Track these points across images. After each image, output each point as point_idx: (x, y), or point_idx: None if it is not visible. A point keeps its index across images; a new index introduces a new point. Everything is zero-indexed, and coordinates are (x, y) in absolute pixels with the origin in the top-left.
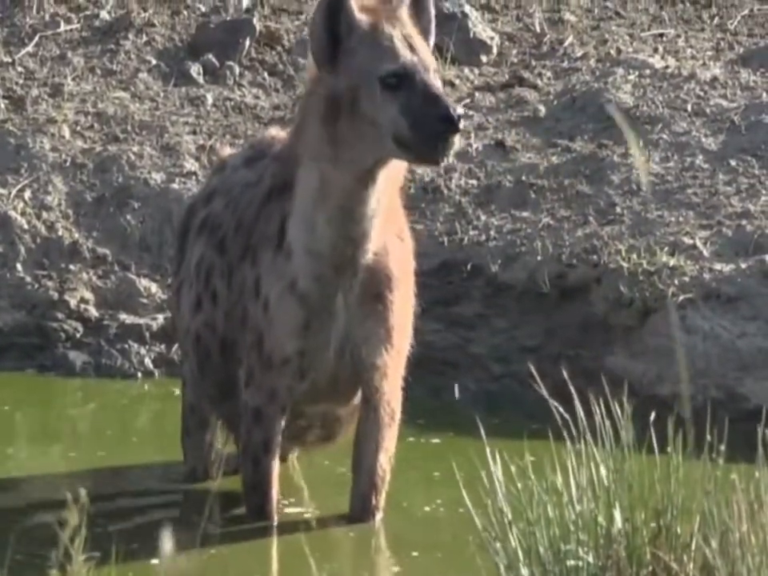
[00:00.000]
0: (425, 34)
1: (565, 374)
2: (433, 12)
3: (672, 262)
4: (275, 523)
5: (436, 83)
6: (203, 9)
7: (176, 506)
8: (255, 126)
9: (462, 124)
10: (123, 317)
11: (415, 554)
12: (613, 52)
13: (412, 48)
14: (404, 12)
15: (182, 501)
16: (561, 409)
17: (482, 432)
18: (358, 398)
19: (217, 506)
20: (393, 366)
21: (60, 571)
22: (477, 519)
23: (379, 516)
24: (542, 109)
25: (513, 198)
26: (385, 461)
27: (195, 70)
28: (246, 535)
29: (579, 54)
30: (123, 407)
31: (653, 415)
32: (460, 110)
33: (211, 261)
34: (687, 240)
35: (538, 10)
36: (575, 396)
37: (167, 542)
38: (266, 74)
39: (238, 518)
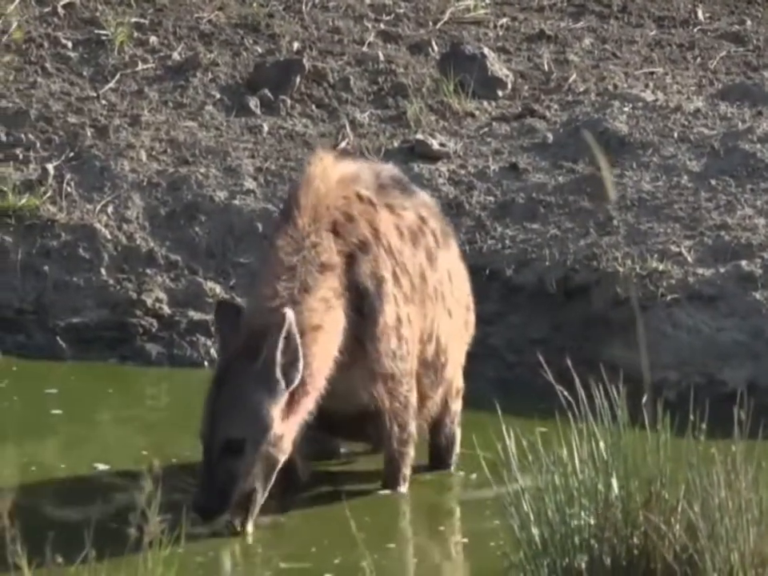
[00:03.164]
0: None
1: (569, 362)
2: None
3: (661, 267)
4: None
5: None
6: (260, 50)
7: None
8: (305, 151)
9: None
10: (192, 314)
11: (440, 515)
12: (610, 87)
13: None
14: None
15: None
16: (565, 392)
17: (499, 412)
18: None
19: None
20: (400, 381)
21: (137, 531)
22: (494, 486)
23: (404, 486)
24: (550, 136)
25: (525, 213)
26: (400, 445)
27: (253, 103)
28: (303, 503)
29: (581, 89)
30: (192, 390)
31: (644, 398)
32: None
33: None
34: (674, 248)
35: (546, 52)
36: (578, 381)
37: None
38: (313, 107)
39: (294, 487)
